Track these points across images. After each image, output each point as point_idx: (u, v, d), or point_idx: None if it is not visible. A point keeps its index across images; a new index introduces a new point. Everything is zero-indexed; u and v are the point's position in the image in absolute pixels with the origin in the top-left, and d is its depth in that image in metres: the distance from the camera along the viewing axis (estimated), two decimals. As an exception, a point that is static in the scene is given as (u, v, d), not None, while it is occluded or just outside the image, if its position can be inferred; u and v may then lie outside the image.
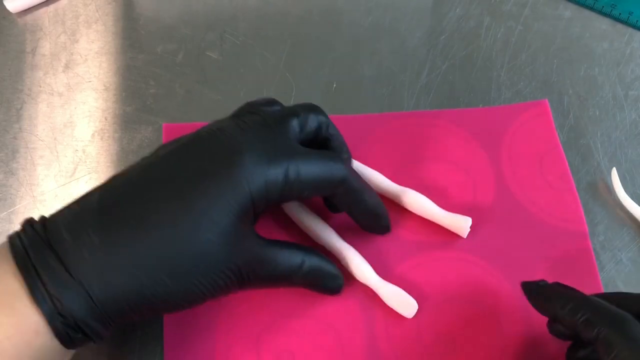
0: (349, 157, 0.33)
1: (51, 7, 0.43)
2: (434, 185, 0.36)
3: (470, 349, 0.32)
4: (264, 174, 0.27)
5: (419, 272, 0.34)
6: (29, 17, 0.43)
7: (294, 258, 0.30)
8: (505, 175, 0.37)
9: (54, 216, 0.27)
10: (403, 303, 0.33)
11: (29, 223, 0.27)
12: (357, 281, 0.33)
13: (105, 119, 0.39)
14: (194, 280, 0.26)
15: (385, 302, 0.33)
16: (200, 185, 0.26)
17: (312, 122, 0.31)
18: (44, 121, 0.39)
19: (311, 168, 0.28)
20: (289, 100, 0.40)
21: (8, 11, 0.43)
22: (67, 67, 0.41)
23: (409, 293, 0.33)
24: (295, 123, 0.30)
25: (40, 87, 0.40)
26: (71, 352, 0.27)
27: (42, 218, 0.27)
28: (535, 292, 0.29)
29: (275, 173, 0.27)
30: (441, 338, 0.32)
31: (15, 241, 0.26)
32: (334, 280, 0.32)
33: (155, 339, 0.33)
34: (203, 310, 0.33)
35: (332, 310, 0.33)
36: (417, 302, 0.33)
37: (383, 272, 0.33)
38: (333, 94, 0.40)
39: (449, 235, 0.35)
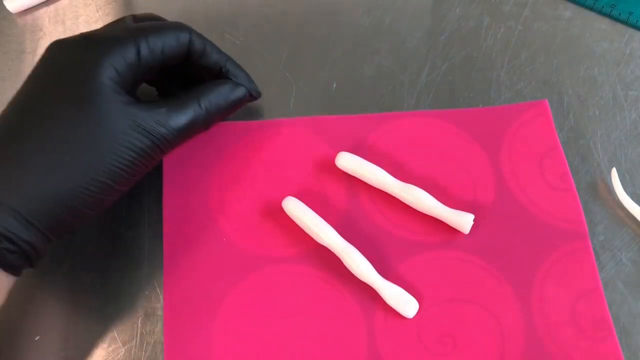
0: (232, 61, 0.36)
1: (51, 7, 0.43)
2: (434, 185, 0.36)
3: (470, 349, 0.32)
4: (117, 48, 0.29)
5: (419, 272, 0.34)
6: (29, 17, 0.43)
7: (192, 100, 0.32)
8: (505, 175, 0.37)
9: None
10: (404, 302, 0.33)
11: None
12: (358, 280, 0.33)
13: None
14: (108, 160, 0.28)
15: (386, 301, 0.33)
16: (69, 77, 0.29)
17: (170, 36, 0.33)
18: (44, 121, 0.39)
19: (158, 36, 0.31)
20: (289, 100, 0.40)
21: (8, 11, 0.43)
22: (67, 67, 0.41)
23: (409, 293, 0.33)
24: (130, 19, 0.34)
25: (41, 87, 0.40)
26: (12, 279, 0.28)
27: None
28: None
29: (128, 45, 0.30)
30: (441, 338, 0.32)
31: None
32: (237, 97, 0.35)
33: (155, 339, 0.33)
34: (203, 310, 0.33)
35: (332, 310, 0.33)
36: (417, 302, 0.33)
37: (383, 271, 0.33)
38: (333, 94, 0.40)
39: (449, 235, 0.35)
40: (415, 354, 0.32)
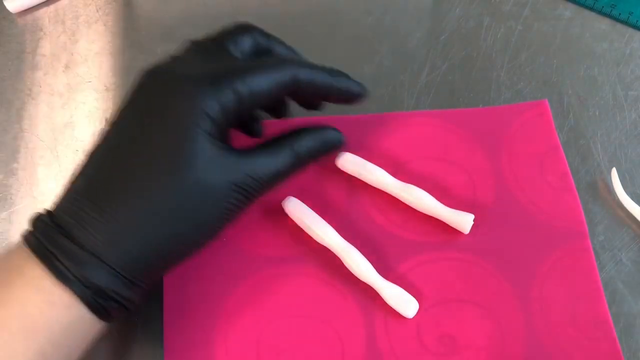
0: (297, 56, 0.34)
1: (51, 7, 0.43)
2: (434, 186, 0.36)
3: (470, 349, 0.32)
4: (213, 95, 0.28)
5: (419, 272, 0.34)
6: (29, 17, 0.43)
7: (285, 151, 0.31)
8: (505, 175, 0.37)
9: (55, 206, 0.28)
10: (404, 302, 0.33)
11: (35, 217, 0.28)
12: (358, 280, 0.33)
13: (106, 119, 0.39)
14: (203, 215, 0.28)
15: (386, 301, 0.33)
16: (163, 125, 0.27)
17: (248, 39, 0.32)
18: (44, 121, 0.39)
19: (259, 78, 0.29)
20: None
21: (8, 11, 0.43)
22: (67, 67, 0.41)
23: (409, 293, 0.33)
24: (230, 43, 0.31)
25: (41, 87, 0.40)
26: (104, 323, 0.28)
27: (45, 210, 0.28)
28: None
29: (226, 91, 0.28)
30: (441, 338, 0.32)
31: (28, 235, 0.27)
32: (332, 143, 0.34)
33: (155, 339, 0.33)
34: (203, 310, 0.33)
35: (332, 310, 0.33)
36: (417, 302, 0.33)
37: (383, 271, 0.33)
38: (333, 94, 0.40)
39: (449, 235, 0.35)
40: (415, 354, 0.32)
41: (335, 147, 0.34)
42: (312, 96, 0.34)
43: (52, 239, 0.26)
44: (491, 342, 0.32)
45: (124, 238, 0.26)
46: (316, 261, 0.34)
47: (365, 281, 0.33)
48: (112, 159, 0.28)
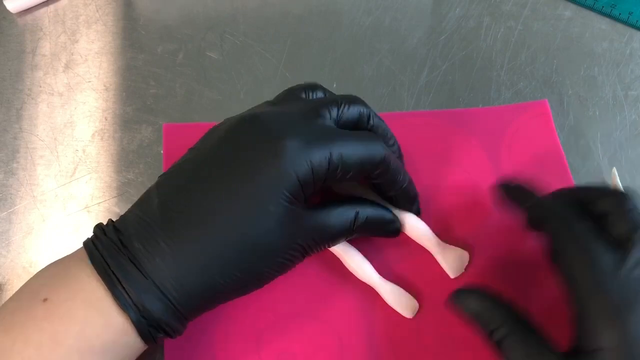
0: (395, 142, 0.34)
1: (51, 7, 0.43)
2: (434, 186, 0.36)
3: (470, 349, 0.32)
4: (308, 158, 0.27)
5: (419, 272, 0.34)
6: (29, 17, 0.43)
7: (346, 215, 0.30)
8: (505, 176, 0.37)
9: (123, 223, 0.28)
10: (403, 303, 0.33)
11: (100, 229, 0.28)
12: (358, 280, 0.33)
13: (105, 119, 0.39)
14: (261, 268, 0.28)
15: (386, 301, 0.33)
16: (249, 177, 0.27)
17: (353, 111, 0.31)
18: (44, 121, 0.39)
19: (353, 149, 0.29)
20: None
21: (8, 11, 0.43)
22: (67, 67, 0.41)
23: (409, 293, 0.33)
24: (334, 110, 0.31)
25: (41, 87, 0.40)
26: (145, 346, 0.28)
27: (111, 223, 0.28)
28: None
29: (319, 156, 0.28)
30: (441, 338, 0.32)
31: (92, 249, 0.27)
32: (390, 225, 0.33)
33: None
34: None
35: (332, 310, 0.33)
36: (417, 302, 0.33)
37: (383, 271, 0.33)
38: (333, 94, 0.40)
39: (449, 235, 0.35)
40: (415, 354, 0.32)
41: (389, 233, 0.33)
42: (380, 185, 0.32)
43: (118, 262, 0.26)
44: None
45: (188, 276, 0.26)
46: (316, 261, 0.34)
47: (365, 281, 0.33)
48: (192, 192, 0.28)
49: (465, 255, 0.34)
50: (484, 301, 0.28)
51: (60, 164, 0.38)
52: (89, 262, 0.27)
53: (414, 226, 0.33)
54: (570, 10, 0.44)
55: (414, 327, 0.33)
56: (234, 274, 0.27)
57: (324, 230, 0.29)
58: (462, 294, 0.29)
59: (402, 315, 0.33)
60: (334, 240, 0.30)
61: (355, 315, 0.33)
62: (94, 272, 0.26)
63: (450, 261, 0.34)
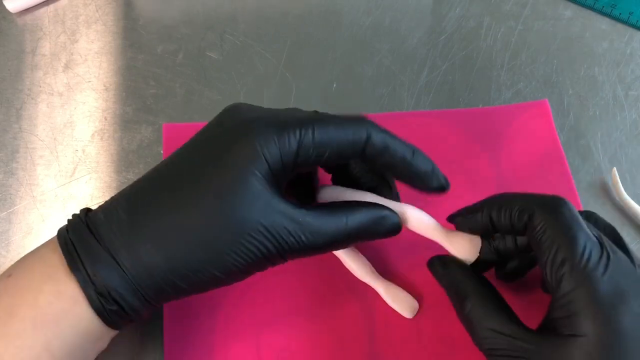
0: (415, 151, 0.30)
1: (51, 7, 0.43)
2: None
3: (470, 349, 0.32)
4: (275, 136, 0.27)
5: (419, 272, 0.34)
6: (29, 17, 0.43)
7: (335, 218, 0.28)
8: (505, 175, 0.37)
9: (98, 206, 0.28)
10: (403, 303, 0.33)
11: (76, 213, 0.28)
12: (358, 281, 0.33)
13: (105, 119, 0.39)
14: (223, 248, 0.26)
15: (386, 301, 0.33)
16: (216, 156, 0.27)
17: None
18: (44, 121, 0.39)
19: (328, 129, 0.27)
20: (289, 100, 0.40)
21: (8, 11, 0.43)
22: (67, 67, 0.41)
23: (409, 293, 0.33)
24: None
25: (40, 87, 0.40)
26: (114, 332, 0.28)
27: (87, 208, 0.29)
28: (466, 212, 0.30)
29: (289, 135, 0.27)
30: (441, 338, 0.32)
31: (62, 228, 0.28)
32: (386, 223, 0.29)
33: (155, 339, 0.33)
34: (203, 310, 0.33)
35: (332, 310, 0.33)
36: (417, 302, 0.33)
37: (383, 271, 0.33)
38: (333, 94, 0.40)
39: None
40: (415, 354, 0.32)
41: (389, 231, 0.30)
42: (383, 168, 0.30)
43: (77, 232, 0.27)
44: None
45: (145, 248, 0.26)
46: (316, 261, 0.34)
47: (365, 281, 0.33)
48: (164, 174, 0.28)
49: (476, 239, 0.31)
50: (456, 270, 0.29)
51: (60, 164, 0.38)
52: (57, 240, 0.27)
53: (418, 218, 0.31)
54: (571, 10, 0.44)
55: (414, 327, 0.33)
56: (192, 251, 0.26)
57: (305, 228, 0.27)
58: (436, 261, 0.30)
59: (402, 315, 0.33)
60: (318, 247, 0.28)
61: (355, 315, 0.33)
62: (58, 246, 0.27)
63: (460, 247, 0.31)
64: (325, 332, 0.33)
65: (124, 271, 0.26)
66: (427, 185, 0.30)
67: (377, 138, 0.28)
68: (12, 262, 0.35)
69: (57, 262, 0.26)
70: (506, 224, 0.28)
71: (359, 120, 0.28)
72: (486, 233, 0.30)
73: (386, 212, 0.29)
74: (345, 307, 0.33)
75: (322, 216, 0.28)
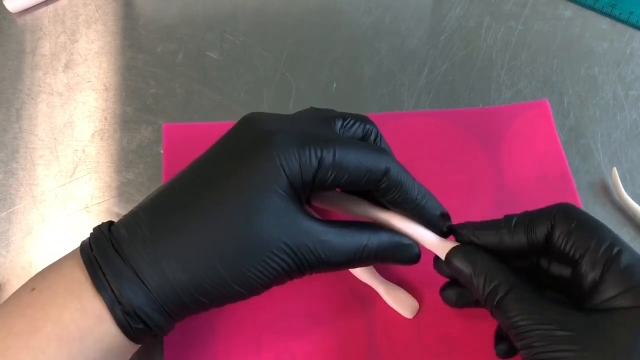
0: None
1: (51, 7, 0.43)
2: (434, 185, 0.36)
3: (470, 349, 0.32)
4: (296, 153, 0.27)
5: (419, 272, 0.34)
6: (29, 17, 0.43)
7: (355, 238, 0.28)
8: (505, 175, 0.37)
9: (119, 220, 0.28)
10: (404, 303, 0.33)
11: (97, 226, 0.28)
12: (358, 280, 0.33)
13: (105, 119, 0.39)
14: (246, 265, 0.26)
15: (386, 301, 0.33)
16: (237, 170, 0.27)
17: (359, 127, 0.31)
18: (43, 121, 0.39)
19: (349, 153, 0.27)
20: (289, 100, 0.40)
21: (8, 11, 0.43)
22: (67, 67, 0.41)
23: (409, 293, 0.33)
24: (339, 121, 0.30)
25: (40, 87, 0.40)
26: (137, 346, 0.28)
27: (109, 222, 0.28)
28: (472, 227, 0.30)
29: (309, 153, 0.27)
30: (441, 338, 0.32)
31: (84, 242, 0.28)
32: (406, 251, 0.30)
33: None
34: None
35: (332, 310, 0.33)
36: (417, 302, 0.33)
37: (383, 271, 0.33)
38: (333, 94, 0.40)
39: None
40: (415, 354, 0.32)
41: (407, 259, 0.30)
42: (391, 203, 0.30)
43: (101, 248, 0.26)
44: (491, 342, 0.32)
45: (170, 267, 0.26)
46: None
47: (365, 281, 0.33)
48: (185, 189, 0.28)
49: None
50: (482, 259, 0.28)
51: (60, 164, 0.38)
52: (79, 254, 0.27)
53: (421, 236, 0.30)
54: (571, 10, 0.44)
55: (414, 327, 0.33)
56: (214, 268, 0.26)
57: (325, 245, 0.27)
58: (459, 252, 0.29)
59: (402, 315, 0.33)
60: (336, 263, 0.28)
61: (355, 315, 0.33)
62: (81, 261, 0.27)
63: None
64: (325, 333, 0.33)
65: (149, 289, 0.26)
66: (433, 228, 0.31)
67: (394, 173, 0.28)
68: (12, 262, 0.35)
69: (81, 279, 0.26)
70: (521, 239, 0.28)
71: (380, 151, 0.29)
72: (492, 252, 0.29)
73: (407, 241, 0.30)
74: (345, 307, 0.33)
75: (343, 235, 0.28)
